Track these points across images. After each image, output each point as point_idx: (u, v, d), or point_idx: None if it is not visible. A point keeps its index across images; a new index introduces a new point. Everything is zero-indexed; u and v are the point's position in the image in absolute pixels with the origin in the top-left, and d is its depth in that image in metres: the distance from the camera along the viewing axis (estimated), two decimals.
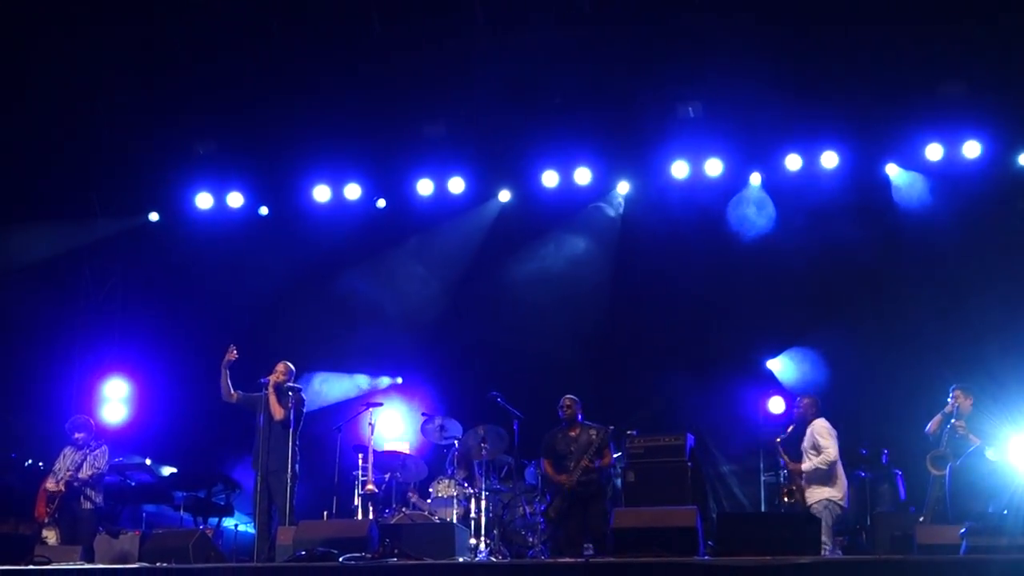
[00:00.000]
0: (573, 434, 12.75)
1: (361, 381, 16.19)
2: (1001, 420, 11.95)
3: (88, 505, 12.98)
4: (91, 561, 11.85)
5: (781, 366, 15.09)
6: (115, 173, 16.12)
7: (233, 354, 12.41)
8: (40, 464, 14.01)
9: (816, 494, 11.91)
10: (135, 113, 15.23)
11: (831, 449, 11.92)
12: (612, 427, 12.87)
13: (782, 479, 12.89)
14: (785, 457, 12.35)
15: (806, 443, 12.12)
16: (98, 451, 13.10)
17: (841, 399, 13.96)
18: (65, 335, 16.44)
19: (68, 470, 12.90)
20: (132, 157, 15.89)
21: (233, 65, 14.91)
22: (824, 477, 11.92)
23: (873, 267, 14.73)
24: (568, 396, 12.88)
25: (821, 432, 12.03)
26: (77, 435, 13.19)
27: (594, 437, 12.61)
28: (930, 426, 12.35)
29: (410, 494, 13.60)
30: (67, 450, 13.19)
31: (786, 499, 12.55)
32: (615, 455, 13.08)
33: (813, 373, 14.58)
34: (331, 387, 15.87)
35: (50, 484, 12.92)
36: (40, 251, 16.09)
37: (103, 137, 15.57)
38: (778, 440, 12.55)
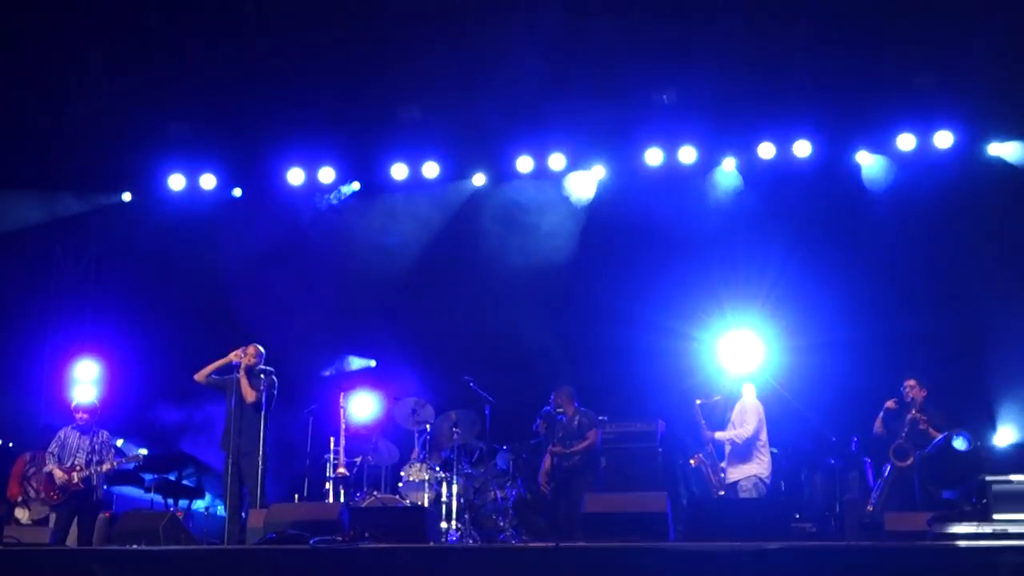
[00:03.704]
0: (566, 419, 13.16)
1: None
2: (954, 411, 12.18)
3: (96, 496, 12.80)
4: (89, 543, 11.90)
5: (750, 352, 15.15)
6: (88, 152, 15.98)
7: (233, 359, 12.40)
8: (10, 444, 13.89)
9: (742, 471, 12.10)
10: (108, 91, 15.09)
11: (750, 426, 12.17)
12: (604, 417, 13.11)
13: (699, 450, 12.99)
14: (702, 422, 12.50)
15: (734, 416, 12.36)
16: (106, 440, 12.81)
17: (811, 387, 14.06)
18: (36, 315, 16.31)
19: (77, 460, 12.55)
20: (105, 136, 15.76)
21: (207, 45, 14.81)
22: (744, 454, 12.13)
23: (844, 255, 14.79)
24: (557, 393, 13.24)
25: (749, 408, 12.25)
26: (81, 415, 12.86)
27: (576, 421, 12.96)
28: (876, 426, 12.53)
29: (374, 494, 13.51)
30: (70, 432, 12.82)
31: (692, 463, 12.83)
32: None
33: (783, 360, 14.65)
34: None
35: (58, 472, 12.50)
36: (11, 223, 15.89)
37: (76, 115, 15.42)
38: (698, 403, 12.68)
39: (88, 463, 12.58)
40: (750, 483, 12.04)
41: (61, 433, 12.86)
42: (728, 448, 12.40)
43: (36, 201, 16.14)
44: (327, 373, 15.78)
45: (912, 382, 12.43)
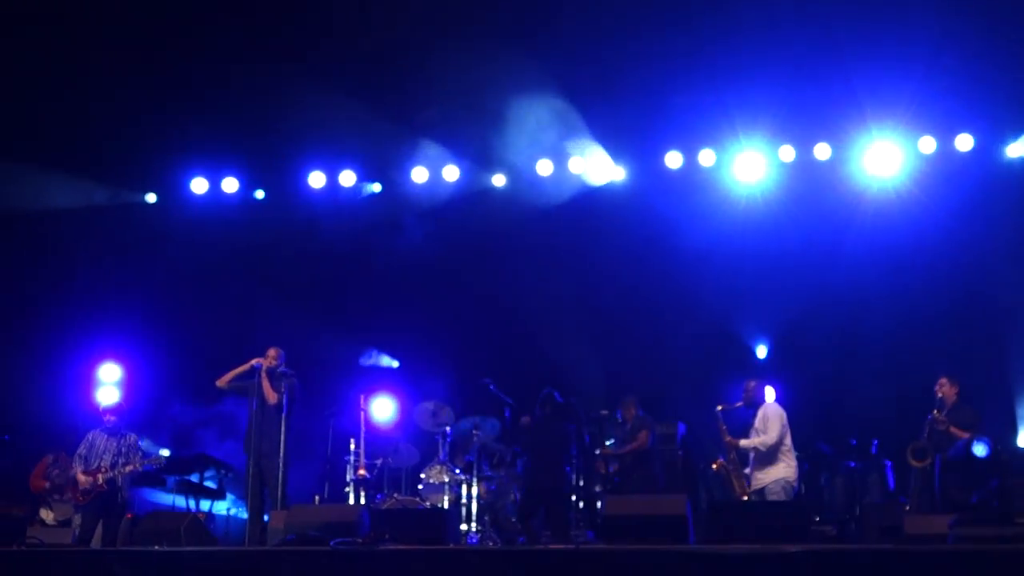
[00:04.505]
0: (624, 423, 13.58)
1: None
2: (983, 410, 12.09)
3: (121, 498, 12.84)
4: (114, 544, 11.96)
5: (772, 355, 15.13)
6: (114, 154, 16.06)
7: (256, 363, 12.45)
8: (6, 437, 13.92)
9: (769, 475, 12.02)
10: (132, 94, 15.14)
11: (773, 432, 12.05)
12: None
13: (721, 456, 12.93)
14: (723, 428, 12.48)
15: (757, 423, 12.26)
16: (132, 442, 12.81)
17: (831, 389, 14.04)
18: (61, 318, 16.36)
19: (103, 461, 12.58)
20: (130, 138, 15.80)
21: (229, 49, 14.87)
22: (769, 458, 12.05)
23: (864, 258, 14.74)
24: (622, 401, 13.62)
25: (771, 414, 12.17)
26: (109, 417, 12.89)
27: (628, 425, 13.29)
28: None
29: (395, 496, 13.54)
30: (98, 435, 12.84)
31: (713, 467, 12.79)
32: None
33: (804, 362, 14.62)
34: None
35: (81, 476, 12.54)
36: (38, 202, 15.93)
37: (100, 116, 15.45)
38: (719, 408, 12.64)
39: (113, 465, 12.62)
40: (778, 486, 11.95)
41: (89, 436, 12.90)
42: (752, 454, 12.32)
43: (65, 184, 16.13)
44: (366, 363, 15.94)
45: (943, 380, 12.32)
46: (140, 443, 13.01)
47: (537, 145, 15.48)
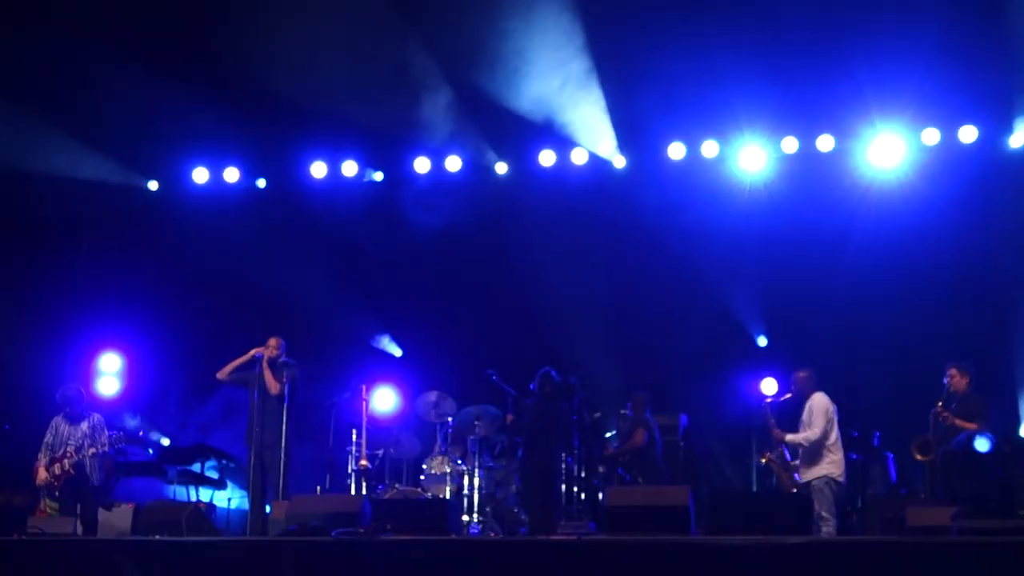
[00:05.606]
0: (628, 420, 13.71)
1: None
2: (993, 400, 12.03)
3: (91, 483, 12.79)
4: (95, 534, 11.92)
5: (774, 345, 15.12)
6: (120, 141, 16.04)
7: (257, 353, 12.40)
8: (7, 426, 13.92)
9: (813, 472, 11.93)
10: (136, 82, 15.12)
11: (817, 428, 11.91)
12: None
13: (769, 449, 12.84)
14: (771, 420, 12.40)
15: (804, 416, 12.15)
16: (97, 425, 12.72)
17: (833, 381, 13.99)
18: (62, 307, 16.37)
19: (68, 447, 12.55)
20: (132, 124, 15.78)
21: (229, 39, 14.84)
22: (814, 453, 11.94)
23: (866, 250, 14.71)
24: (632, 397, 13.78)
25: (816, 408, 12.04)
26: (64, 408, 12.79)
27: (628, 423, 13.43)
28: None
29: (396, 486, 13.54)
30: (60, 421, 12.77)
31: (763, 461, 12.75)
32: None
33: (805, 353, 14.59)
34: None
35: (46, 462, 12.52)
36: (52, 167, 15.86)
37: (111, 101, 15.41)
38: (767, 400, 12.59)
39: (79, 449, 12.54)
40: (822, 483, 11.83)
41: (53, 423, 12.79)
42: (800, 449, 12.22)
43: (83, 153, 16.07)
44: (379, 346, 15.96)
45: (952, 370, 12.18)
46: (105, 424, 12.86)
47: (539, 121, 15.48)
